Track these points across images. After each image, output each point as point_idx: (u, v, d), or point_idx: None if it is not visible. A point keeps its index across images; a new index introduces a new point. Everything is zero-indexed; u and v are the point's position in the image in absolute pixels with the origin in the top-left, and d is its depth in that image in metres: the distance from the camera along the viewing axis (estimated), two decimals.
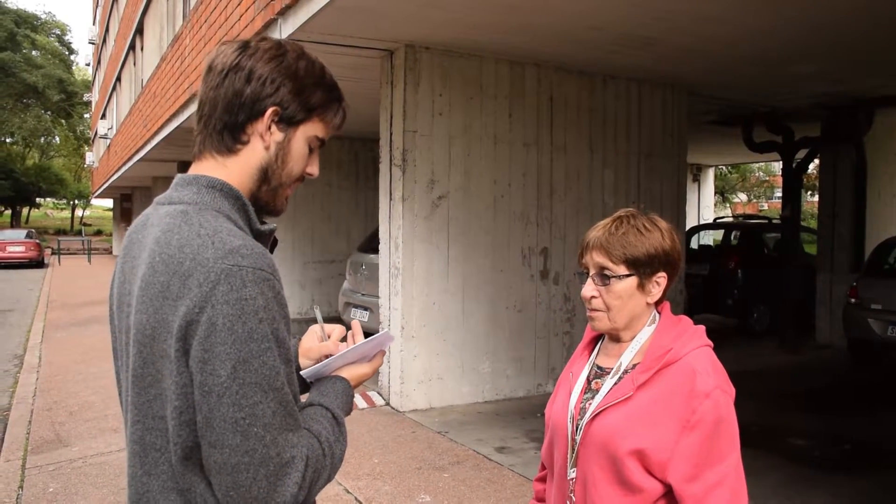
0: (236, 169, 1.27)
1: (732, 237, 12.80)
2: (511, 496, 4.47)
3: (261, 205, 1.32)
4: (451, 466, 4.99)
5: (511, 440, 5.58)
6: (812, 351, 9.53)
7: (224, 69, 1.25)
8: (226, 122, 1.25)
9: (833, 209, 10.02)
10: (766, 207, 43.36)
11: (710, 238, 16.23)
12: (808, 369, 8.56)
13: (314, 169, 1.35)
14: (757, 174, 39.37)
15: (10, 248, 26.15)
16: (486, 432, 5.78)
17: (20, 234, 28.43)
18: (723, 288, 10.64)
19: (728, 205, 40.55)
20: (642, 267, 1.60)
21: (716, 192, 27.27)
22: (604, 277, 1.61)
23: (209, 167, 1.27)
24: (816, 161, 10.63)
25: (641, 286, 1.61)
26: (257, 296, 1.10)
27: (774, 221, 12.57)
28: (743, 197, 42.97)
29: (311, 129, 1.30)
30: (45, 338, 10.55)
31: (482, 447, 5.39)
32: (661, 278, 1.62)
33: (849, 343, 8.80)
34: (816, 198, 13.18)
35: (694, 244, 12.79)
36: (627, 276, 1.59)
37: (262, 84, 1.24)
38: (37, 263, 26.66)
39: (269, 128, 1.26)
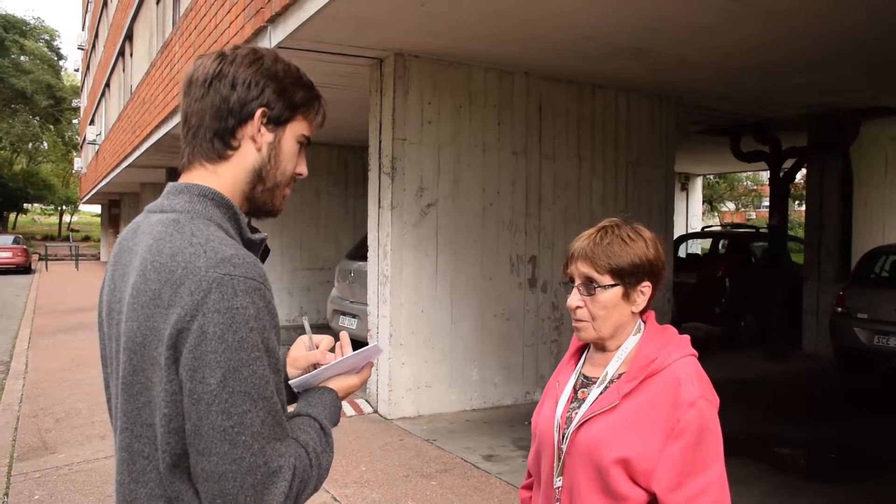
0: (228, 175, 1.28)
1: (720, 246, 12.86)
2: None
3: (258, 206, 1.34)
4: (438, 474, 4.98)
5: (499, 448, 5.59)
6: (799, 359, 9.58)
7: (207, 79, 1.26)
8: (216, 130, 1.26)
9: (820, 218, 10.10)
10: (753, 216, 43.64)
11: (697, 247, 16.30)
12: (794, 378, 8.61)
13: (303, 168, 1.37)
14: (745, 183, 39.63)
15: None
16: (473, 440, 5.79)
17: (7, 239, 28.18)
18: (710, 296, 10.69)
19: (716, 213, 40.76)
20: (627, 276, 1.61)
21: (704, 201, 27.42)
22: (589, 287, 1.62)
23: (200, 176, 1.28)
24: (804, 171, 10.71)
25: (626, 295, 1.62)
26: (248, 305, 1.10)
27: (762, 230, 12.65)
28: (731, 206, 43.22)
29: (297, 128, 1.33)
30: (32, 344, 10.48)
31: (470, 455, 5.39)
32: (646, 287, 1.64)
33: (835, 352, 8.85)
34: (803, 207, 13.28)
35: (682, 253, 12.85)
36: (612, 285, 1.61)
37: (248, 87, 1.26)
38: (24, 269, 26.47)
39: (260, 129, 1.28)
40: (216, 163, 1.28)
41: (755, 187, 40.13)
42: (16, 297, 17.88)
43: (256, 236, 1.31)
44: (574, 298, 1.65)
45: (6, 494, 4.70)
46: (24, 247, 27.42)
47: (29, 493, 4.68)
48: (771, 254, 10.19)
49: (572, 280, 1.66)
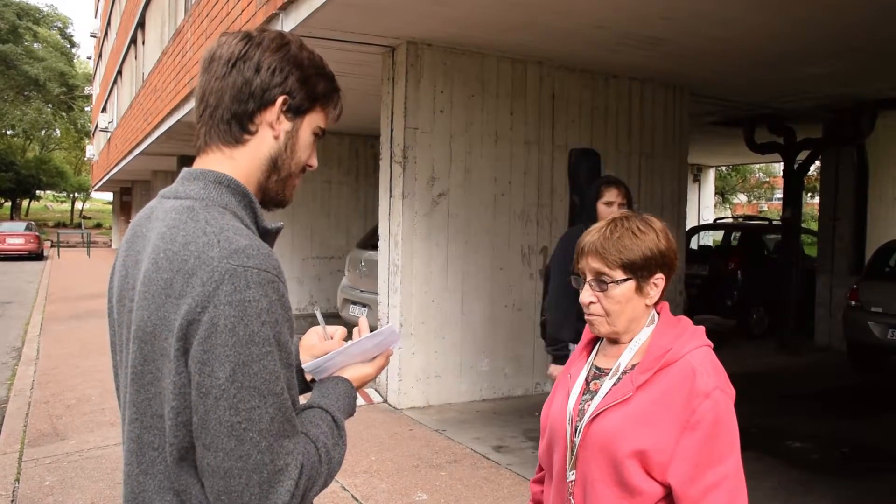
0: (244, 160, 1.25)
1: (732, 238, 12.79)
2: (508, 495, 4.46)
3: (270, 196, 1.31)
4: (448, 465, 4.98)
5: (509, 439, 5.57)
6: (811, 353, 9.52)
7: (231, 59, 1.23)
8: (234, 112, 1.23)
9: (834, 211, 10.00)
10: (765, 209, 43.36)
11: (709, 239, 16.22)
12: (806, 371, 8.56)
13: (314, 160, 1.34)
14: (757, 175, 39.37)
15: (9, 241, 26.21)
16: (483, 431, 5.77)
17: (20, 226, 28.47)
18: (722, 289, 10.63)
19: (728, 206, 40.53)
20: (639, 270, 1.59)
21: (716, 193, 27.28)
22: (601, 283, 1.60)
23: (216, 160, 1.25)
24: (818, 163, 10.61)
25: (639, 289, 1.60)
26: (261, 298, 1.08)
27: (775, 223, 12.56)
28: (743, 198, 42.96)
29: (314, 119, 1.30)
30: (44, 330, 10.54)
31: (480, 446, 5.38)
32: (659, 280, 1.61)
33: (848, 346, 8.78)
34: (817, 199, 13.18)
35: (694, 245, 12.78)
36: (625, 280, 1.58)
37: (272, 73, 1.23)
38: (36, 256, 26.71)
39: (279, 117, 1.25)
40: (233, 147, 1.25)
41: (767, 179, 39.88)
42: (28, 284, 18.00)
43: (272, 225, 1.27)
44: (587, 294, 1.62)
45: (17, 480, 4.72)
46: (37, 233, 27.66)
47: (40, 479, 4.71)
48: (784, 246, 10.10)
49: (584, 275, 1.64)
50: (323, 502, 4.26)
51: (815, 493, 4.70)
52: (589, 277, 1.62)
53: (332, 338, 1.42)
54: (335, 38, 5.99)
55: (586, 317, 1.65)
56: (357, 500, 4.35)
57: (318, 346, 1.41)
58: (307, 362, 1.39)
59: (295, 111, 1.26)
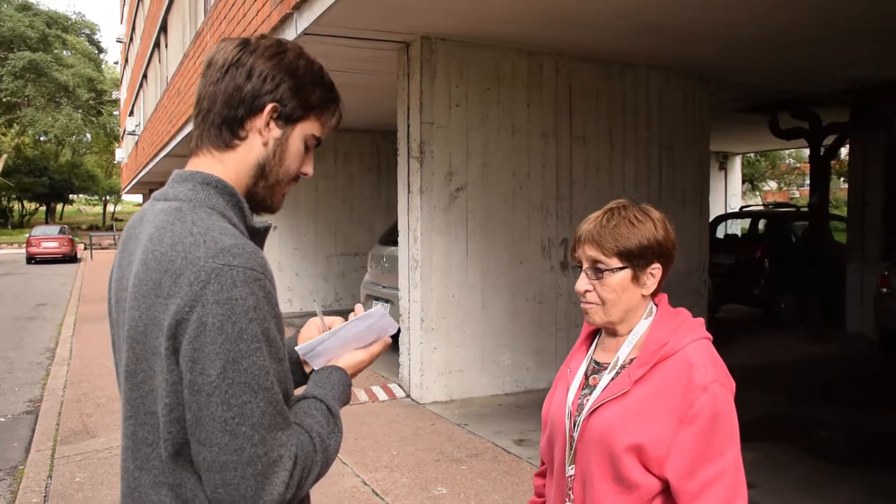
0: (233, 164, 1.27)
1: (759, 226, 12.61)
2: (528, 489, 4.46)
3: (257, 201, 1.33)
4: (469, 459, 4.99)
5: (530, 433, 5.57)
6: (841, 341, 9.36)
7: (225, 65, 1.26)
8: (224, 117, 1.26)
9: (863, 196, 9.81)
10: (797, 195, 42.67)
11: (737, 227, 16.00)
12: (836, 360, 8.41)
13: (309, 168, 1.36)
14: (787, 161, 38.74)
15: (44, 244, 26.80)
16: (505, 425, 5.78)
17: (54, 229, 29.05)
18: (749, 278, 10.49)
19: (758, 193, 39.95)
20: (636, 259, 1.57)
21: (744, 180, 26.90)
22: (597, 271, 1.59)
23: (206, 163, 1.28)
24: (847, 147, 10.42)
25: (636, 278, 1.59)
26: (248, 296, 1.10)
27: (802, 209, 12.36)
28: (773, 185, 42.32)
29: (308, 128, 1.31)
30: (76, 331, 10.76)
31: (501, 440, 5.39)
32: (656, 270, 1.60)
33: (879, 333, 8.62)
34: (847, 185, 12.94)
35: (720, 233, 12.62)
36: (621, 268, 1.57)
37: (263, 80, 1.24)
38: (70, 258, 27.25)
39: (268, 124, 1.27)
40: (223, 151, 1.27)
41: (798, 165, 39.23)
42: (62, 286, 18.36)
43: (260, 224, 1.30)
44: (582, 282, 1.62)
45: (50, 476, 4.84)
46: (70, 237, 28.21)
47: (70, 476, 4.82)
48: (811, 233, 9.94)
49: (580, 264, 1.63)
50: (343, 497, 4.30)
51: (841, 483, 4.63)
52: (585, 266, 1.61)
53: (330, 328, 1.44)
54: (349, 36, 6.01)
55: (582, 306, 1.64)
56: (377, 494, 4.38)
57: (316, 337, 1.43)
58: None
59: (286, 119, 1.28)
